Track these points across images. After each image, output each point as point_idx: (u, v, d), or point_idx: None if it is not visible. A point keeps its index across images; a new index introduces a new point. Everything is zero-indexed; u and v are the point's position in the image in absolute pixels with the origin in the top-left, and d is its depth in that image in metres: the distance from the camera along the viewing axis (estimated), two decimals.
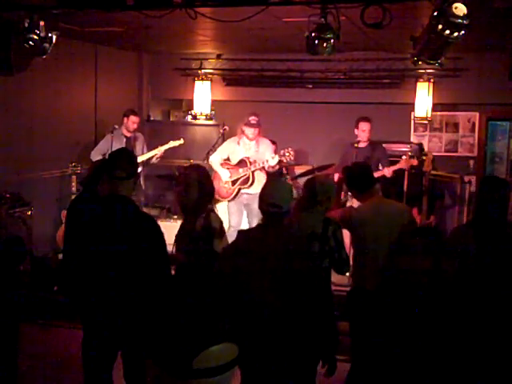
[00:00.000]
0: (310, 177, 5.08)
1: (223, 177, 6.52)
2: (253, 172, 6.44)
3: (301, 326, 3.04)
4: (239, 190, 6.53)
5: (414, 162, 6.83)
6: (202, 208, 3.91)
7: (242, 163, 6.52)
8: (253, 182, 6.46)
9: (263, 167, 6.43)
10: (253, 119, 6.40)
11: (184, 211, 4.03)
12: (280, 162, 6.53)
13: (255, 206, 6.31)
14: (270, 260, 3.04)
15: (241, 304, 3.07)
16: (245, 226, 6.56)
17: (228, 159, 6.60)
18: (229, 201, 6.64)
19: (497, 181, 3.70)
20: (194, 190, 3.89)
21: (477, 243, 3.38)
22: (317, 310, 3.11)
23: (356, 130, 6.77)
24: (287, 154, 6.29)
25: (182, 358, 2.93)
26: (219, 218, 4.04)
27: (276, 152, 6.56)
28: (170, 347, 3.07)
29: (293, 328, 3.02)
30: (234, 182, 6.52)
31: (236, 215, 6.60)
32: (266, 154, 6.43)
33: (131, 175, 3.55)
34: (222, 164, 6.56)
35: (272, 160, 6.30)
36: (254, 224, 6.37)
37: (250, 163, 6.44)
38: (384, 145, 7.12)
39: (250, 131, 6.40)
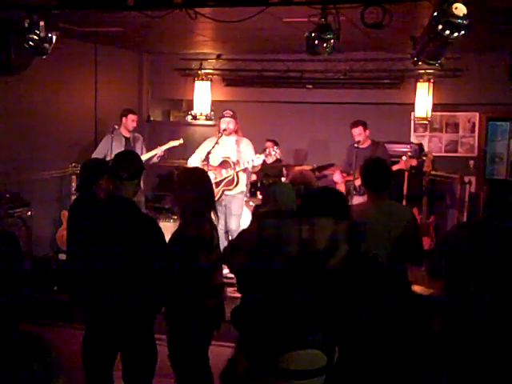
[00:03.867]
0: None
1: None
2: (237, 173, 6.27)
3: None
4: (223, 192, 6.32)
5: (414, 162, 6.84)
6: (199, 214, 3.66)
7: (224, 164, 6.30)
8: (237, 183, 6.30)
9: (246, 168, 6.27)
10: (226, 112, 6.30)
11: (180, 214, 3.80)
12: (277, 160, 6.46)
13: (233, 206, 6.39)
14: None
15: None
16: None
17: (207, 160, 6.24)
18: None
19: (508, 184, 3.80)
20: (189, 193, 3.68)
21: (490, 244, 3.38)
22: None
23: None
24: (273, 153, 6.13)
25: (268, 354, 2.90)
26: (213, 233, 3.69)
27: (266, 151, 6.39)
28: (258, 341, 3.05)
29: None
30: (217, 184, 6.24)
31: (220, 217, 6.50)
32: (246, 154, 6.29)
33: (133, 176, 3.56)
34: (203, 165, 6.18)
35: (257, 160, 6.16)
36: (232, 224, 6.36)
37: (234, 164, 6.25)
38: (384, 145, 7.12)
39: (223, 123, 6.25)
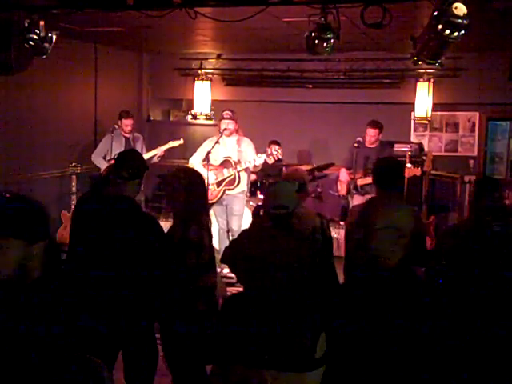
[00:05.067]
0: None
1: (210, 178, 6.17)
2: (238, 172, 6.27)
3: (311, 323, 3.05)
4: (224, 191, 6.32)
5: (418, 171, 6.81)
6: (190, 215, 3.57)
7: (226, 163, 6.30)
8: (238, 182, 6.30)
9: (247, 167, 6.28)
10: (226, 113, 6.29)
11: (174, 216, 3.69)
12: (278, 160, 6.46)
13: (235, 206, 6.39)
14: (282, 260, 3.05)
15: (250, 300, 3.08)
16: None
17: (208, 159, 6.21)
18: (213, 203, 6.33)
19: (491, 181, 3.74)
20: (181, 194, 3.60)
21: (478, 243, 3.37)
22: (326, 308, 3.11)
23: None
24: (275, 153, 6.14)
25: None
26: (202, 233, 3.57)
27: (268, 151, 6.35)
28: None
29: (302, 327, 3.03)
30: (219, 184, 6.28)
31: (221, 217, 6.47)
32: (247, 153, 6.29)
33: (135, 176, 3.56)
34: (204, 165, 6.20)
35: (258, 159, 6.17)
36: (234, 224, 6.36)
37: (235, 163, 6.25)
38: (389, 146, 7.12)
39: (223, 124, 6.23)
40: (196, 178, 3.74)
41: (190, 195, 3.58)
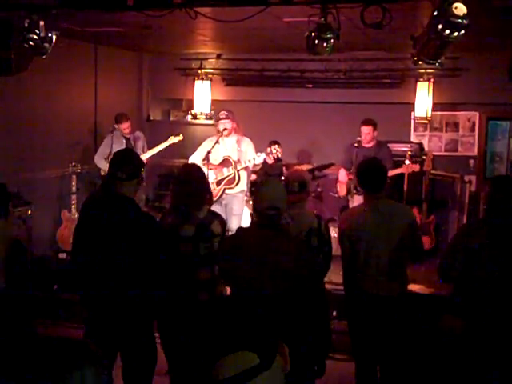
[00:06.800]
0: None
1: (210, 177, 6.07)
2: (238, 171, 6.28)
3: (296, 323, 3.06)
4: (224, 190, 6.33)
5: (416, 167, 6.82)
6: (185, 211, 3.69)
7: (225, 162, 6.32)
8: (238, 181, 6.31)
9: (247, 166, 6.31)
10: (222, 114, 6.29)
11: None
12: (278, 160, 6.46)
13: (234, 205, 6.40)
14: (270, 259, 3.06)
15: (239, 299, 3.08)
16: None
17: (208, 159, 6.23)
18: (212, 202, 6.34)
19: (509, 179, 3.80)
20: (173, 187, 3.77)
21: (492, 240, 3.38)
22: (312, 308, 3.13)
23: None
24: (274, 151, 6.17)
25: (199, 370, 2.83)
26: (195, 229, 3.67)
27: (274, 151, 6.36)
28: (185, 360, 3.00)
29: (288, 326, 3.03)
30: (218, 183, 6.29)
31: None
32: (247, 153, 6.30)
33: (132, 176, 3.55)
34: (204, 164, 6.14)
35: (258, 158, 6.20)
36: (234, 224, 6.35)
37: (235, 162, 6.27)
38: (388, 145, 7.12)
39: (221, 125, 6.25)
40: (192, 173, 3.82)
41: (182, 190, 3.68)
